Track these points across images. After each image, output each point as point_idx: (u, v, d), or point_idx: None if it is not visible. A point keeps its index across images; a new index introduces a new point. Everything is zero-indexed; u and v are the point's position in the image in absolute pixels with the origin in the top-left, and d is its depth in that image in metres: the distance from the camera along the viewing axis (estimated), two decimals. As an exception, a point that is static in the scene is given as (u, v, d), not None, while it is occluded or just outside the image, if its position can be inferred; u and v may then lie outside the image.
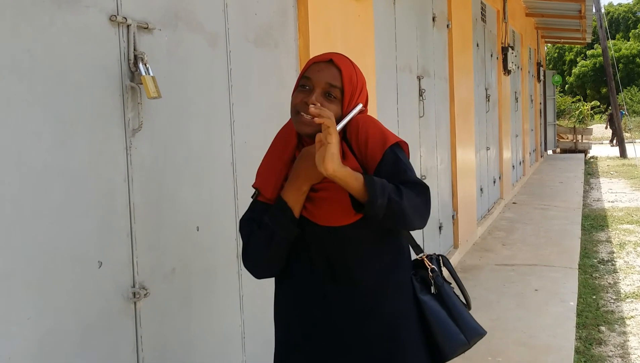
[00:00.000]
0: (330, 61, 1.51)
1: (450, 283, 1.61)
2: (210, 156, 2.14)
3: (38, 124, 1.47)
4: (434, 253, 1.62)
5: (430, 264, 1.55)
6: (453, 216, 5.75)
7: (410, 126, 4.53)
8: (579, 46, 36.44)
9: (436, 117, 5.21)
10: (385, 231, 1.50)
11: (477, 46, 7.02)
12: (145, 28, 1.82)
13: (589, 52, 38.39)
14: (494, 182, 8.22)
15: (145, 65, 1.76)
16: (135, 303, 1.76)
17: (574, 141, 18.05)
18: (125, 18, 1.74)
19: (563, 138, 18.53)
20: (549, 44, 25.69)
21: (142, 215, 1.80)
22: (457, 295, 1.58)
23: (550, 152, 17.50)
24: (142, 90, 1.78)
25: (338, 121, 1.47)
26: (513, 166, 9.95)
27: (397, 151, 1.49)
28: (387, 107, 4.01)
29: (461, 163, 5.91)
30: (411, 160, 1.55)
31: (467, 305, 1.60)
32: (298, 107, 1.49)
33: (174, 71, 1.96)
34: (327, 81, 1.49)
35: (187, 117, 2.03)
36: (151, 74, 1.77)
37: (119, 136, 1.73)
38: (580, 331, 4.04)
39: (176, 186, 1.94)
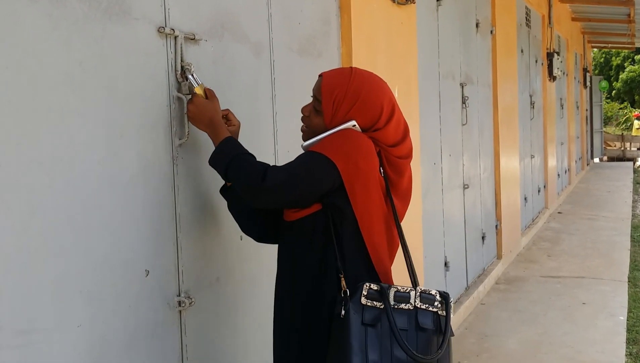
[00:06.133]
0: (320, 75, 1.64)
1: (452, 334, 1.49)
2: (254, 166, 2.14)
3: (90, 135, 1.50)
4: (437, 290, 1.50)
5: (345, 286, 1.47)
6: (496, 226, 5.63)
7: (453, 133, 4.46)
8: (626, 51, 35.35)
9: (479, 125, 5.12)
10: (311, 239, 1.56)
11: (522, 51, 6.88)
12: (192, 39, 1.84)
13: (637, 57, 37.19)
14: (539, 191, 8.02)
15: (193, 75, 1.78)
16: (180, 312, 1.77)
17: (622, 148, 17.51)
18: (173, 29, 1.76)
19: (610, 146, 18.00)
20: (595, 49, 25.00)
21: (187, 224, 1.81)
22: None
23: (597, 160, 17.00)
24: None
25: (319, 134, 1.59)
26: (558, 175, 9.70)
27: (310, 153, 1.54)
28: (429, 115, 3.96)
29: (505, 171, 5.79)
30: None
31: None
32: None
33: (219, 81, 1.98)
34: (313, 93, 1.62)
35: (232, 127, 2.04)
36: (200, 83, 1.78)
37: (166, 146, 1.75)
38: (631, 347, 3.89)
39: (221, 195, 1.95)
